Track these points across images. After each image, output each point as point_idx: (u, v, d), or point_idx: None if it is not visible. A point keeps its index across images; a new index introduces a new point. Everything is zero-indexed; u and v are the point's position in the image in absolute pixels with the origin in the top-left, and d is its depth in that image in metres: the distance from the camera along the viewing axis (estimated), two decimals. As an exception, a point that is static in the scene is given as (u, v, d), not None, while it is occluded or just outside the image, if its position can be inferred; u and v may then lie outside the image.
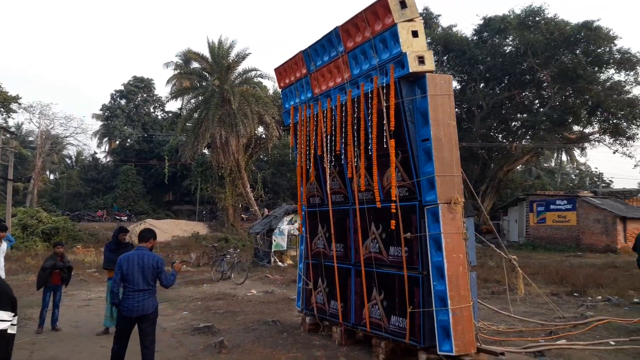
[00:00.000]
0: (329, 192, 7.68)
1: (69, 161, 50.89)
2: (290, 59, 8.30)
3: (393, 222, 6.19)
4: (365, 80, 6.72)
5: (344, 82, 7.08)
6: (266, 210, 32.90)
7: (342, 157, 7.21)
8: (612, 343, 7.04)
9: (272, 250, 17.75)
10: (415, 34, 6.21)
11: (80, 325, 8.71)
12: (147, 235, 5.82)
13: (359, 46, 6.75)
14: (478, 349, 5.86)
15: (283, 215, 18.30)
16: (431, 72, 6.16)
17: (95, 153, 49.40)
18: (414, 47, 6.13)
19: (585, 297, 10.99)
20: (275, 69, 8.81)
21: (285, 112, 8.92)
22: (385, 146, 6.31)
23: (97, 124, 47.01)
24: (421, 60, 6.12)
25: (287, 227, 18.11)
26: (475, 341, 5.82)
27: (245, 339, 7.64)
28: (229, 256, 15.97)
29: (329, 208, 7.70)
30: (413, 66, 6.02)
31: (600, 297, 10.80)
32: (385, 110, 6.27)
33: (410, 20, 6.22)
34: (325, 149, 7.52)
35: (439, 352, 5.72)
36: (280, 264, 17.58)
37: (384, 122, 6.28)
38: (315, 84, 7.82)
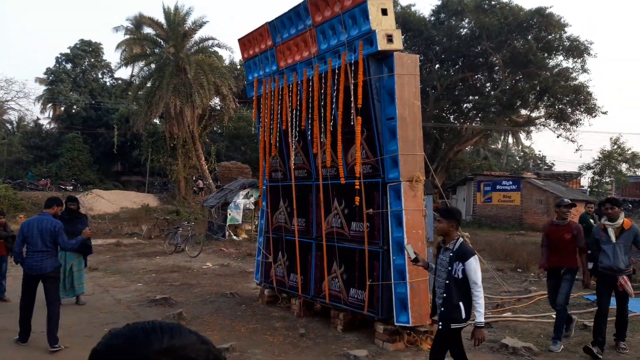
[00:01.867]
0: (292, 167, 7.70)
1: (9, 127, 48.20)
2: (255, 30, 8.15)
3: (357, 198, 6.31)
4: (333, 56, 6.72)
5: (311, 57, 7.05)
6: (200, 182, 32.37)
7: (308, 132, 7.23)
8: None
9: (227, 224, 17.65)
10: (384, 12, 6.24)
11: (29, 297, 8.42)
12: (52, 202, 6.42)
13: (327, 21, 6.72)
14: (432, 320, 6.13)
15: (239, 189, 18.18)
16: (399, 51, 6.24)
17: (39, 119, 46.97)
18: (383, 25, 6.17)
19: (528, 273, 11.64)
20: (239, 40, 8.64)
21: (248, 84, 8.80)
22: (351, 123, 6.38)
23: (41, 89, 44.59)
24: (390, 38, 6.17)
25: (243, 201, 18.02)
26: (430, 312, 6.09)
27: (203, 310, 7.65)
28: (182, 229, 15.78)
29: (291, 183, 7.73)
30: (382, 44, 6.07)
31: (541, 274, 11.45)
32: (352, 88, 6.31)
33: (380, -3, 6.25)
34: (289, 124, 7.51)
35: (395, 323, 5.96)
36: (235, 237, 17.53)
37: (351, 99, 6.34)
38: (280, 57, 7.74)
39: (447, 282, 4.18)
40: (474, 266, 4.13)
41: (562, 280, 6.27)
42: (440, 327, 4.25)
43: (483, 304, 4.17)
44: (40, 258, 5.94)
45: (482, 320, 4.16)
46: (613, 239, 5.95)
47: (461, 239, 4.30)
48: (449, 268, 4.18)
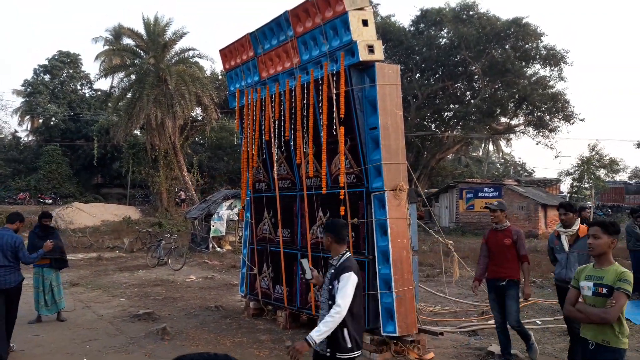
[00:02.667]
0: (276, 177, 7.67)
1: (-15, 139, 47.19)
2: (236, 41, 8.14)
3: (342, 208, 6.30)
4: (315, 67, 6.74)
5: (293, 67, 7.05)
6: (182, 193, 32.09)
7: (291, 143, 7.21)
8: (539, 322, 7.60)
9: (211, 235, 17.49)
10: (365, 22, 6.29)
11: (7, 315, 8.21)
12: (14, 218, 6.58)
13: (309, 32, 6.74)
14: (419, 329, 6.14)
15: (222, 200, 18.04)
16: (380, 61, 6.28)
17: (16, 132, 46.14)
18: (364, 36, 6.21)
19: (511, 279, 11.71)
20: (220, 50, 8.61)
21: (230, 94, 8.77)
22: (334, 133, 6.39)
23: (18, 101, 43.85)
24: (371, 49, 6.22)
25: (226, 213, 17.89)
26: (416, 322, 6.09)
27: (188, 324, 7.54)
28: (165, 241, 15.59)
29: (275, 194, 7.70)
30: (363, 55, 6.11)
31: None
32: (335, 98, 6.33)
33: (361, 9, 6.30)
34: (272, 134, 7.49)
35: (382, 333, 5.94)
36: (218, 249, 17.37)
37: (334, 109, 6.35)
38: (262, 68, 7.74)
39: (329, 302, 3.62)
40: (345, 283, 3.52)
41: (506, 297, 5.75)
42: (326, 354, 3.58)
43: (330, 326, 3.45)
44: (3, 273, 6.04)
45: (315, 339, 3.41)
46: (566, 247, 5.57)
47: (347, 254, 3.73)
48: (330, 286, 3.65)
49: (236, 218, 18.24)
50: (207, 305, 8.81)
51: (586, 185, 34.77)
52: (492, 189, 27.84)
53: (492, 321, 7.65)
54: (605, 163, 34.28)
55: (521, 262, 5.81)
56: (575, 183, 35.38)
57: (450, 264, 7.91)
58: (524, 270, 5.86)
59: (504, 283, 5.75)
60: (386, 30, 32.06)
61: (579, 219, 5.73)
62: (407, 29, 33.30)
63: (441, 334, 6.26)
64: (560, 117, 31.00)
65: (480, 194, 28.21)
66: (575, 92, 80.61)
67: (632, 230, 10.04)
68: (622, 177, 37.52)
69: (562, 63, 30.04)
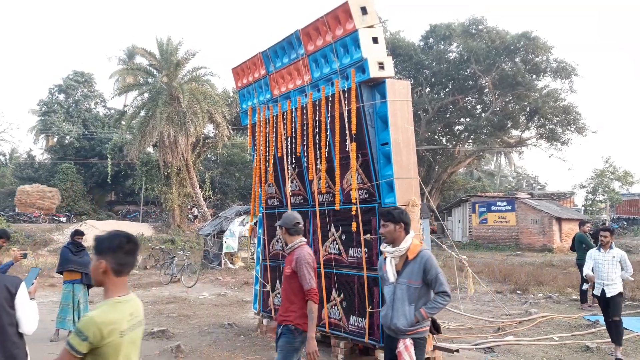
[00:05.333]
0: (288, 193, 7.70)
1: (2, 158, 48.04)
2: (248, 60, 8.25)
3: (354, 224, 6.30)
4: (326, 84, 6.80)
5: (305, 85, 7.12)
6: (195, 209, 32.29)
7: (303, 159, 7.25)
8: (556, 338, 7.48)
9: (223, 252, 17.52)
10: (375, 40, 6.35)
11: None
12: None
13: (320, 50, 6.81)
14: (434, 346, 6.07)
15: (234, 216, 18.11)
16: (391, 77, 6.32)
17: (31, 150, 46.96)
18: (375, 53, 6.27)
19: (527, 295, 11.57)
20: (232, 69, 8.73)
21: (242, 112, 8.86)
22: (346, 149, 6.42)
23: (34, 120, 44.65)
24: (381, 66, 6.26)
25: (239, 229, 17.94)
26: (431, 339, 6.03)
27: (201, 342, 7.53)
28: (178, 258, 15.64)
29: (288, 210, 7.71)
30: (374, 72, 6.15)
31: (541, 295, 11.41)
32: (346, 114, 6.37)
33: (371, 26, 6.36)
34: (284, 151, 7.54)
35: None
36: (231, 265, 17.39)
37: (345, 125, 6.39)
38: (274, 85, 7.82)
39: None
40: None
41: (277, 348, 4.27)
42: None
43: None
44: None
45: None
46: (391, 276, 3.85)
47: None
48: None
49: (248, 234, 18.27)
50: (221, 323, 8.81)
51: (600, 198, 34.39)
52: (505, 203, 27.65)
53: (508, 337, 7.56)
54: (620, 175, 33.93)
55: (306, 299, 4.10)
56: (590, 196, 35.03)
57: (465, 279, 7.83)
58: (308, 313, 4.05)
59: (279, 330, 4.25)
60: (395, 45, 32.24)
61: (412, 232, 3.96)
62: (416, 44, 33.45)
63: (457, 350, 6.18)
64: (572, 129, 30.79)
65: (493, 208, 28.02)
66: (587, 104, 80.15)
67: (584, 238, 10.37)
68: (637, 189, 37.02)
69: (572, 75, 29.94)
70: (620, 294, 6.81)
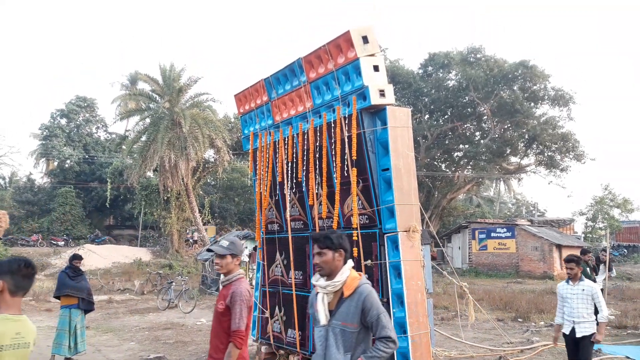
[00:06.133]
0: (288, 218, 7.70)
1: (1, 182, 48.08)
2: (251, 86, 8.36)
3: (355, 249, 6.29)
4: (327, 110, 6.88)
5: (306, 111, 7.21)
6: (195, 234, 32.16)
7: (304, 184, 7.28)
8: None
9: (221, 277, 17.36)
10: (376, 68, 6.46)
11: (18, 358, 8.16)
12: None
13: (321, 77, 6.92)
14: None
15: (233, 241, 18.00)
16: (391, 104, 6.41)
17: (31, 174, 47.06)
18: (375, 81, 6.36)
19: (529, 323, 11.46)
20: (235, 95, 8.84)
21: (244, 137, 8.93)
22: (347, 175, 6.46)
23: (35, 143, 44.88)
24: (382, 93, 6.35)
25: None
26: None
27: (199, 369, 7.43)
28: (175, 284, 15.52)
29: (288, 235, 7.71)
30: (374, 99, 6.24)
31: (542, 323, 11.30)
32: (347, 140, 6.44)
33: (372, 55, 6.48)
34: (285, 176, 7.58)
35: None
36: (229, 291, 17.21)
37: (346, 151, 6.45)
38: (276, 112, 7.91)
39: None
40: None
41: None
42: None
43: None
44: None
45: None
46: (322, 317, 3.10)
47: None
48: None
49: (247, 259, 18.15)
50: (219, 349, 8.69)
51: (600, 225, 34.34)
52: (504, 229, 27.60)
53: (510, 366, 7.46)
54: (619, 203, 33.96)
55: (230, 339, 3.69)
56: (590, 223, 34.98)
57: (465, 306, 7.78)
58: (225, 356, 3.65)
59: None
60: (395, 73, 32.67)
61: (350, 262, 3.25)
62: (415, 72, 33.90)
63: (458, 379, 6.10)
64: (570, 156, 30.97)
65: (493, 234, 27.96)
66: (586, 132, 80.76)
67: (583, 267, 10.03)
68: (636, 216, 36.97)
69: (570, 103, 30.27)
70: (593, 335, 5.95)
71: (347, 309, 3.05)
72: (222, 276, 3.93)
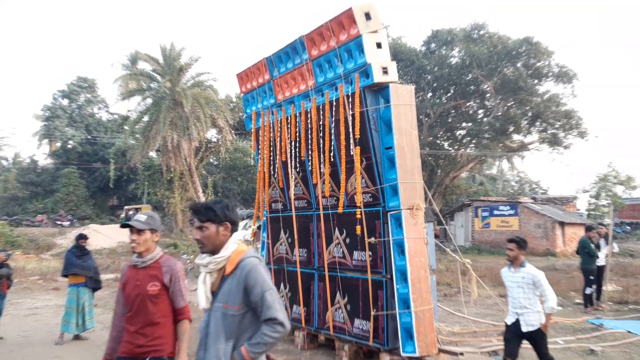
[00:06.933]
0: (292, 197, 7.74)
1: (5, 163, 48.20)
2: (252, 65, 8.32)
3: (359, 227, 6.34)
4: (330, 88, 6.86)
5: (309, 90, 7.19)
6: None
7: (307, 163, 7.30)
8: (561, 342, 7.48)
9: (226, 255, 17.56)
10: (379, 45, 6.42)
11: (28, 335, 8.33)
12: None
13: (323, 55, 6.88)
14: (439, 349, 6.09)
15: (237, 220, 18.16)
16: (394, 82, 6.38)
17: (34, 155, 47.17)
18: (378, 58, 6.33)
19: (530, 299, 11.55)
20: (237, 74, 8.80)
21: (246, 117, 8.92)
22: (350, 153, 6.47)
23: (37, 125, 44.86)
24: (385, 71, 6.32)
25: (241, 233, 17.97)
26: (436, 342, 6.05)
27: (206, 345, 7.55)
28: (181, 262, 15.68)
29: (292, 213, 7.76)
30: (377, 76, 6.22)
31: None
32: (350, 118, 6.43)
33: (375, 32, 6.43)
34: (289, 155, 7.59)
35: (402, 354, 5.90)
36: (233, 269, 17.41)
37: (349, 129, 6.44)
38: (278, 90, 7.89)
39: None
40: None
41: None
42: None
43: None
44: None
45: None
46: (202, 300, 2.73)
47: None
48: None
49: (250, 238, 18.29)
50: (225, 326, 8.82)
51: (604, 203, 34.33)
52: (507, 207, 27.65)
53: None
54: (622, 180, 33.90)
55: (177, 321, 3.44)
56: (593, 200, 34.99)
57: (468, 283, 7.85)
58: (181, 335, 3.41)
59: None
60: (397, 50, 32.31)
61: (238, 234, 2.87)
62: (418, 50, 33.54)
63: (461, 354, 6.21)
64: (574, 134, 30.82)
65: (495, 212, 28.02)
66: (589, 109, 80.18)
67: (587, 244, 10.01)
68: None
69: (574, 80, 30.00)
70: (540, 329, 5.19)
71: (228, 288, 2.61)
72: (134, 258, 3.45)
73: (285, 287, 7.95)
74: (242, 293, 2.58)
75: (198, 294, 2.75)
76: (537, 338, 5.21)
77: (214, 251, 2.71)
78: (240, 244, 2.75)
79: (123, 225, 3.45)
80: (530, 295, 5.21)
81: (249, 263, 2.63)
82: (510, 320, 5.40)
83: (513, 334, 5.33)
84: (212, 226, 2.70)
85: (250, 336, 2.57)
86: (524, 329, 5.20)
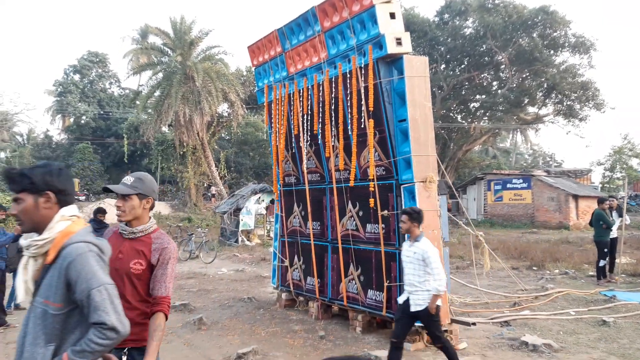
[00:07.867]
0: (305, 171, 7.77)
1: (20, 139, 48.75)
2: (264, 37, 8.25)
3: (372, 200, 6.37)
4: (342, 61, 6.80)
5: (321, 62, 7.13)
6: (213, 188, 32.40)
7: (319, 136, 7.30)
8: (572, 313, 7.53)
9: (240, 229, 17.77)
10: (392, 15, 6.32)
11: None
12: None
13: (336, 26, 6.80)
14: (451, 319, 6.17)
15: (250, 194, 18.30)
16: (408, 53, 6.30)
17: (48, 131, 47.59)
18: (392, 29, 6.24)
19: (543, 271, 11.61)
20: (248, 47, 8.74)
21: (258, 90, 8.90)
22: (363, 126, 6.45)
23: (50, 100, 45.16)
24: (399, 41, 6.24)
25: (255, 207, 18.13)
26: (449, 313, 6.13)
27: (222, 315, 7.74)
28: (195, 235, 15.91)
29: (305, 187, 7.81)
30: (391, 47, 6.14)
31: (557, 271, 11.44)
32: (363, 91, 6.39)
33: (388, 1, 6.32)
34: (301, 129, 7.59)
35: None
36: (248, 242, 17.64)
37: (362, 102, 6.41)
38: (290, 63, 7.83)
39: None
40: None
41: None
42: None
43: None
44: None
45: None
46: (20, 293, 2.13)
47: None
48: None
49: (264, 212, 18.49)
50: (240, 297, 9.01)
51: (618, 175, 33.95)
52: (520, 180, 27.46)
53: (525, 312, 7.64)
54: (638, 152, 33.40)
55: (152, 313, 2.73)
56: (607, 173, 34.61)
57: (481, 255, 7.90)
58: (155, 329, 2.65)
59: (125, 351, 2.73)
60: (410, 21, 31.70)
61: (69, 208, 2.19)
62: (431, 20, 32.91)
63: (473, 324, 6.29)
64: (590, 105, 30.26)
65: (508, 186, 27.85)
66: (606, 80, 78.45)
67: (603, 215, 9.96)
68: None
69: (591, 50, 29.30)
70: (427, 309, 4.68)
71: (49, 282, 2.05)
72: (122, 224, 2.88)
73: (299, 260, 8.06)
74: (64, 288, 2.02)
75: (16, 283, 2.17)
76: (425, 319, 4.80)
77: (36, 230, 2.12)
78: (74, 222, 2.16)
79: (105, 189, 2.89)
80: (420, 272, 4.77)
81: (74, 250, 2.04)
82: (402, 298, 4.99)
83: (403, 314, 4.93)
84: (29, 197, 2.10)
85: (78, 339, 2.03)
86: (412, 308, 4.77)
